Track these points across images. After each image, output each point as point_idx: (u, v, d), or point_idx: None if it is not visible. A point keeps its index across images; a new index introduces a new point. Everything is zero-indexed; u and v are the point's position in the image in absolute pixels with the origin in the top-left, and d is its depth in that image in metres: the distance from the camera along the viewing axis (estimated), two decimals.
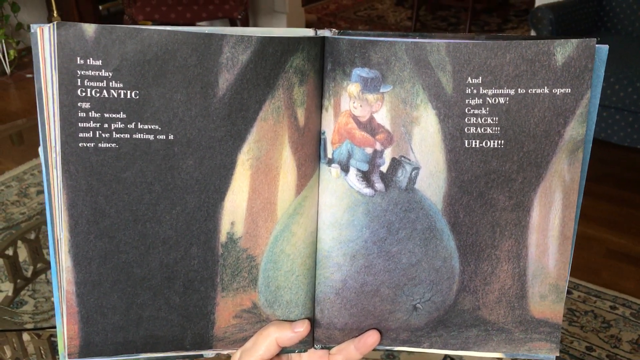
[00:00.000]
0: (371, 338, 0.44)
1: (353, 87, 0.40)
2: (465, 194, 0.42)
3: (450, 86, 0.40)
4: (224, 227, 0.41)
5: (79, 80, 0.37)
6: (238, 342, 0.44)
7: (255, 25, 3.71)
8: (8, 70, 3.29)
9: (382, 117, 0.41)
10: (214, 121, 0.39)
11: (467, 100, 0.40)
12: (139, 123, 0.38)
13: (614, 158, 2.41)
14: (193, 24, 3.22)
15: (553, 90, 0.40)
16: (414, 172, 0.41)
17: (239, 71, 0.39)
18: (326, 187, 0.42)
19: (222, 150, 0.40)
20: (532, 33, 2.55)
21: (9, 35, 3.25)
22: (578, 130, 0.41)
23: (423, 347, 0.45)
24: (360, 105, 0.41)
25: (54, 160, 0.38)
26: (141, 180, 0.39)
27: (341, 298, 0.43)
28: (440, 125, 0.41)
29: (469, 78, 0.40)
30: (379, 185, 0.42)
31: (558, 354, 0.45)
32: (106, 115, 0.37)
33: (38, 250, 1.27)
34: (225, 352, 0.44)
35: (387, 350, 0.46)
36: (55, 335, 1.11)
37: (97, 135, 0.38)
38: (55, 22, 0.36)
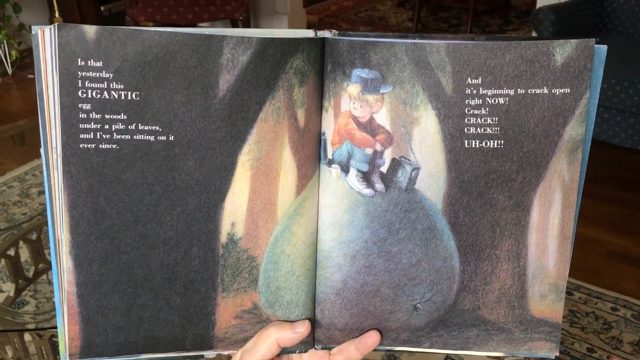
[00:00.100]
0: (372, 338, 0.44)
1: (353, 88, 0.40)
2: (465, 194, 0.42)
3: (450, 87, 0.40)
4: (225, 228, 0.41)
5: (79, 81, 0.37)
6: (239, 343, 0.44)
7: (256, 26, 3.71)
8: (10, 70, 3.29)
9: (382, 118, 0.41)
10: (214, 122, 0.39)
11: (467, 101, 0.40)
12: (140, 124, 0.38)
13: (615, 159, 2.41)
14: (194, 25, 3.23)
15: (552, 91, 0.40)
16: (414, 173, 0.42)
17: (239, 72, 0.39)
18: (326, 187, 0.42)
19: (223, 151, 0.40)
20: (534, 34, 2.55)
21: (11, 36, 3.25)
22: (577, 130, 0.41)
23: (423, 347, 0.45)
24: (360, 106, 0.41)
25: (54, 161, 0.38)
26: (142, 181, 0.39)
27: (341, 298, 0.43)
28: (440, 126, 0.41)
29: (469, 78, 0.40)
30: (379, 185, 0.42)
31: (558, 354, 0.45)
32: (107, 116, 0.37)
33: (39, 251, 1.27)
34: (225, 352, 0.44)
35: (387, 350, 0.46)
36: (56, 336, 1.11)
37: (98, 136, 0.38)
38: (56, 24, 0.36)
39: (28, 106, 3.02)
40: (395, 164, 0.41)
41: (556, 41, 0.39)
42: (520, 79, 0.40)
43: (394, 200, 0.42)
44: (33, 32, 0.37)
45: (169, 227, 0.40)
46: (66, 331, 0.40)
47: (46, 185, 0.39)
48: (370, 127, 0.41)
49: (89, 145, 0.38)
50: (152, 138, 0.38)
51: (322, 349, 0.45)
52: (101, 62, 0.37)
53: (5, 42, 3.21)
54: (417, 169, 0.41)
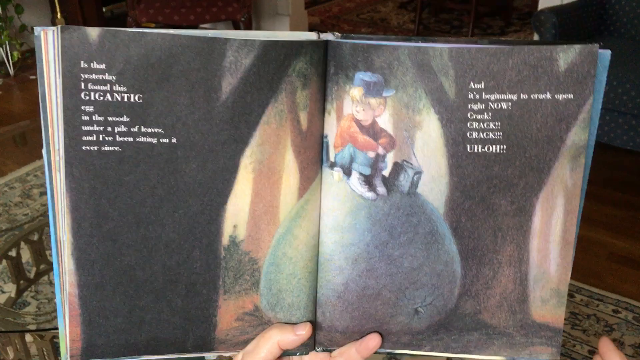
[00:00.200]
0: (372, 341, 0.44)
1: (356, 91, 0.41)
2: (467, 199, 0.42)
3: (452, 91, 0.40)
4: (227, 230, 0.41)
5: (82, 83, 0.37)
6: (240, 345, 0.44)
7: (258, 27, 3.72)
8: (12, 71, 3.30)
9: (385, 121, 0.41)
10: (217, 125, 0.39)
11: (469, 105, 0.40)
12: (142, 126, 0.38)
13: (616, 161, 2.41)
14: (196, 26, 3.23)
15: (555, 96, 0.40)
16: (416, 177, 0.42)
17: (242, 75, 0.39)
18: (328, 190, 0.42)
19: (225, 154, 0.40)
20: (535, 36, 2.55)
21: (13, 37, 3.26)
22: (580, 135, 0.41)
23: (424, 351, 0.45)
24: (363, 109, 0.41)
25: (57, 163, 0.38)
26: (144, 183, 0.39)
27: (343, 301, 0.43)
28: (443, 130, 0.41)
29: (472, 83, 0.40)
30: (381, 189, 0.42)
31: (559, 358, 0.45)
32: (110, 118, 0.38)
33: (41, 252, 1.27)
34: (227, 354, 0.44)
35: (388, 353, 0.46)
36: (57, 337, 1.11)
37: (101, 139, 0.38)
38: (59, 26, 0.36)
39: (30, 107, 3.03)
40: (398, 167, 0.41)
41: (560, 46, 0.39)
42: (523, 84, 0.40)
43: (395, 204, 0.42)
44: (36, 33, 0.37)
45: (171, 230, 0.40)
46: (67, 332, 0.41)
47: (48, 187, 0.39)
48: (372, 131, 0.41)
49: (91, 147, 0.38)
50: (154, 140, 0.39)
51: (323, 351, 0.45)
52: (104, 65, 0.37)
53: (7, 43, 3.21)
54: (419, 173, 0.41)
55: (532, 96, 0.40)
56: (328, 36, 0.40)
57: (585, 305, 1.69)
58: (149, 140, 0.38)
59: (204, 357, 0.44)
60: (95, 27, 0.36)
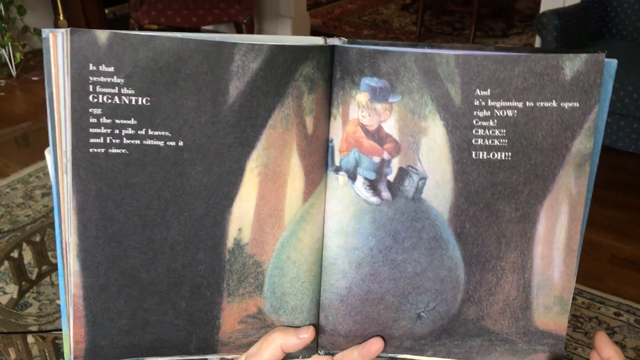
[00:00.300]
0: (375, 345, 0.44)
1: (362, 96, 0.41)
2: (471, 205, 0.42)
3: (458, 98, 0.40)
4: (231, 233, 0.41)
5: (91, 86, 0.37)
6: (243, 347, 0.44)
7: (260, 29, 3.72)
8: (14, 73, 3.30)
9: (390, 127, 0.41)
10: (223, 128, 0.39)
11: (475, 112, 0.40)
12: (150, 129, 0.38)
13: (618, 164, 2.41)
14: (199, 28, 3.23)
15: (561, 104, 0.40)
16: (420, 182, 0.42)
17: (249, 79, 0.39)
18: (333, 194, 0.42)
19: (231, 157, 0.40)
20: (537, 39, 2.55)
21: (15, 38, 3.26)
22: (585, 144, 0.41)
23: (426, 356, 0.45)
24: (369, 115, 0.41)
25: (64, 165, 0.38)
26: (150, 186, 0.39)
27: (346, 305, 0.44)
28: (448, 136, 0.41)
29: (478, 90, 0.40)
30: (386, 194, 0.42)
31: None
32: (117, 121, 0.38)
33: (43, 253, 1.27)
34: (229, 356, 0.44)
35: (390, 357, 0.46)
36: (59, 338, 1.11)
37: (108, 141, 0.38)
38: (69, 29, 0.36)
39: (32, 108, 3.03)
40: (403, 173, 0.42)
41: (566, 55, 0.39)
42: (529, 92, 0.40)
43: (400, 209, 0.42)
44: (44, 35, 0.37)
45: (176, 232, 0.40)
46: (71, 333, 0.41)
47: (54, 188, 0.39)
48: (378, 136, 0.41)
49: (98, 150, 0.38)
50: (161, 143, 0.39)
51: (326, 354, 0.45)
52: (113, 68, 0.37)
53: (9, 44, 3.22)
54: (424, 178, 0.42)
55: (537, 104, 0.40)
56: (335, 41, 0.41)
57: (587, 307, 1.69)
58: (156, 143, 0.39)
59: (207, 359, 0.44)
60: (104, 30, 0.36)
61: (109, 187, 0.39)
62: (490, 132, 0.41)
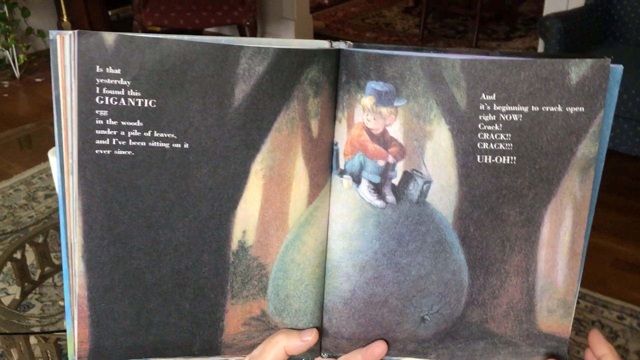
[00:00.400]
0: (378, 348, 0.44)
1: (367, 100, 0.41)
2: (476, 209, 0.42)
3: (464, 102, 0.40)
4: (236, 236, 0.41)
5: (97, 88, 0.37)
6: (246, 349, 0.44)
7: (263, 31, 3.72)
8: (17, 74, 3.31)
9: (395, 131, 0.41)
10: (229, 131, 0.39)
11: (480, 117, 0.41)
12: (155, 131, 0.38)
13: (620, 167, 2.41)
14: (202, 30, 3.24)
15: (566, 109, 0.40)
16: (425, 186, 0.42)
17: (255, 82, 0.39)
18: (337, 197, 0.43)
19: (236, 160, 0.40)
20: (540, 42, 2.55)
21: (19, 40, 3.27)
22: (590, 148, 0.41)
23: (430, 359, 0.45)
24: (374, 118, 0.41)
25: (70, 166, 0.38)
26: (156, 187, 0.39)
27: (349, 308, 0.44)
28: (453, 140, 0.41)
29: (483, 94, 0.40)
30: (390, 197, 0.42)
31: None
32: (123, 123, 0.38)
33: (46, 254, 1.27)
34: (233, 358, 0.44)
35: None
36: (61, 339, 1.11)
37: (114, 143, 0.38)
38: (76, 31, 0.37)
39: (35, 110, 3.03)
40: (407, 176, 0.42)
41: (572, 60, 0.39)
42: (534, 97, 0.40)
43: (404, 213, 0.42)
44: (51, 37, 0.37)
45: (181, 234, 0.41)
46: (75, 334, 0.41)
47: (60, 189, 0.39)
48: (383, 140, 0.41)
49: (104, 151, 0.38)
50: (167, 145, 0.39)
51: (329, 357, 0.45)
52: (119, 70, 0.37)
53: (13, 45, 3.22)
54: (428, 182, 0.42)
55: (543, 108, 0.40)
56: (340, 45, 0.41)
57: (589, 311, 1.68)
58: (162, 145, 0.39)
59: None
60: (111, 32, 0.37)
61: (114, 188, 0.39)
62: (496, 136, 0.41)
